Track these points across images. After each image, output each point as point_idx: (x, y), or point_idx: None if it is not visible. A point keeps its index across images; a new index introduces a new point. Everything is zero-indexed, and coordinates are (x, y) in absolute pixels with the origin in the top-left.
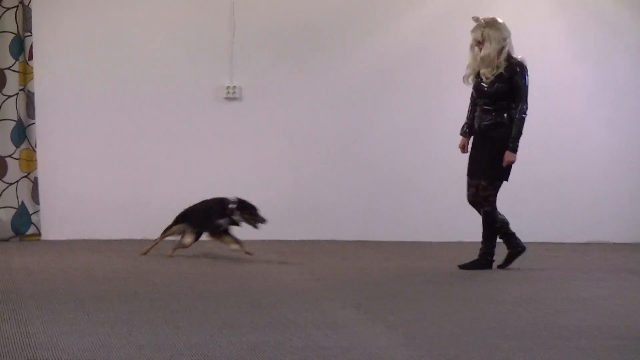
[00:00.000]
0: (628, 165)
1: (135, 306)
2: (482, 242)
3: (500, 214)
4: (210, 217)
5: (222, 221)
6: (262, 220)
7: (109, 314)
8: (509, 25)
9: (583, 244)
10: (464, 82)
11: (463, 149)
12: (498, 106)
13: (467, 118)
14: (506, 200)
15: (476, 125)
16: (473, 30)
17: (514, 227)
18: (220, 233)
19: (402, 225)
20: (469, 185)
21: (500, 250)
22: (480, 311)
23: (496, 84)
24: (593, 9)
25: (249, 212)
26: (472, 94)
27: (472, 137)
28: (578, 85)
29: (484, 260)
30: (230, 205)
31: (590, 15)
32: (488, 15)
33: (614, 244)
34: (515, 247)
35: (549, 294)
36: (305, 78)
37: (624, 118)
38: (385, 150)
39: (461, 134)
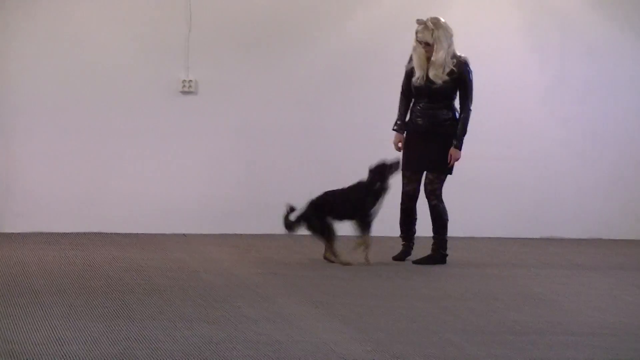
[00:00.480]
0: (585, 161)
1: (90, 299)
2: (433, 237)
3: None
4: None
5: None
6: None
7: (63, 307)
8: (464, 21)
9: (537, 239)
10: (415, 83)
11: (399, 145)
12: (444, 104)
13: (401, 114)
14: (461, 195)
15: (420, 122)
16: (421, 32)
17: (469, 222)
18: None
19: None
20: (410, 181)
21: (452, 245)
22: (434, 306)
23: (445, 83)
24: (549, 5)
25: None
26: (404, 90)
27: (406, 133)
28: (534, 81)
29: (437, 255)
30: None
31: (546, 11)
32: (435, 13)
33: (569, 239)
34: (441, 253)
35: (502, 289)
36: (261, 72)
37: (580, 113)
38: (340, 146)
39: (396, 130)
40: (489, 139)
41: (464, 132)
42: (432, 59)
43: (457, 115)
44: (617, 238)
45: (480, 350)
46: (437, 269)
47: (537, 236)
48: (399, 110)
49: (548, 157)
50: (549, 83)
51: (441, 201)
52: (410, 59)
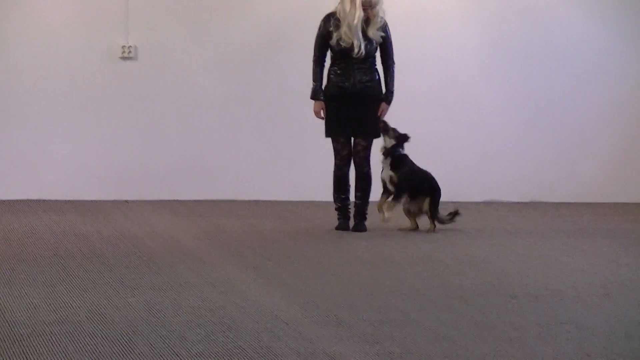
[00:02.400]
0: (524, 124)
1: (32, 266)
2: (363, 202)
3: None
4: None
5: None
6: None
7: (4, 275)
8: None
9: (480, 203)
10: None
11: (321, 113)
12: (370, 64)
13: (318, 81)
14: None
15: (347, 85)
16: None
17: None
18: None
19: (297, 184)
20: (344, 145)
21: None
22: (376, 271)
23: (375, 43)
24: None
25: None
26: (320, 56)
27: (325, 98)
28: (473, 44)
29: (365, 219)
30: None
31: None
32: None
33: (510, 203)
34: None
35: (444, 253)
36: (200, 37)
37: (519, 77)
38: (278, 110)
39: (317, 99)
40: (428, 102)
41: (394, 86)
42: (375, 19)
43: (378, 75)
44: (556, 201)
45: (423, 314)
46: (379, 233)
47: (479, 200)
48: (317, 78)
49: (487, 121)
50: (487, 46)
51: (370, 166)
52: (327, 22)
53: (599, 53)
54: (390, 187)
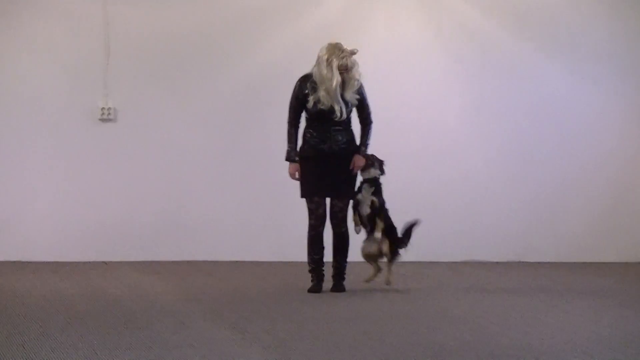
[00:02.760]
0: (502, 184)
1: (10, 328)
2: (340, 264)
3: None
4: None
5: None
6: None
7: None
8: (386, 42)
9: (459, 262)
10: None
11: (296, 175)
12: (347, 125)
13: (293, 142)
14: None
15: (324, 147)
16: (348, 57)
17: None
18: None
19: (277, 244)
20: (319, 205)
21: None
22: (355, 329)
23: (350, 105)
24: (469, 26)
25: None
26: (295, 119)
27: (300, 159)
28: (455, 101)
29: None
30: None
31: (466, 32)
32: (356, 34)
33: (490, 262)
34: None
35: (424, 312)
36: (179, 97)
37: (499, 137)
38: (259, 169)
39: (292, 160)
40: (410, 162)
41: (369, 141)
42: (351, 82)
43: (354, 135)
44: (538, 260)
45: None
46: (358, 293)
47: (459, 259)
48: (291, 140)
49: (468, 179)
50: (469, 106)
51: (347, 227)
52: (303, 85)
53: (581, 110)
54: (366, 210)
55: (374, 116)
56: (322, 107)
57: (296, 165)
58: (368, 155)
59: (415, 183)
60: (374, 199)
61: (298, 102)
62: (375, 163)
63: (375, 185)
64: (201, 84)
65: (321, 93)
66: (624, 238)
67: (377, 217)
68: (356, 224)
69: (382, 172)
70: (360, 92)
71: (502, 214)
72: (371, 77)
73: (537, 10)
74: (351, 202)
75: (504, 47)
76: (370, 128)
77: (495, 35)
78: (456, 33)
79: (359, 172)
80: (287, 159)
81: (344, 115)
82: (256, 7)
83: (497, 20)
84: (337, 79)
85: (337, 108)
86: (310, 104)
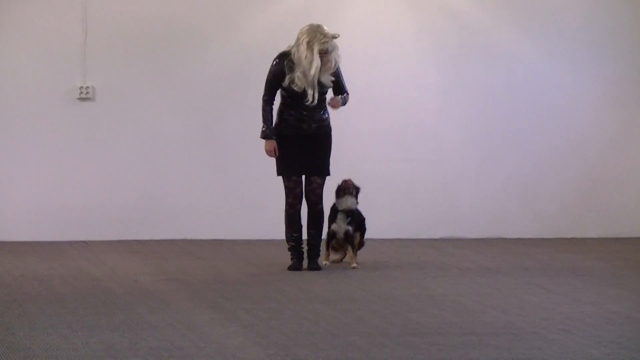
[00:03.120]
0: (483, 161)
1: None
2: (316, 239)
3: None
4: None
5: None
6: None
7: None
8: (361, 24)
9: (438, 239)
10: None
11: (274, 152)
12: (322, 104)
13: (269, 120)
14: (362, 198)
15: (304, 126)
16: (329, 42)
17: (371, 223)
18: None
19: (257, 223)
20: (297, 183)
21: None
22: (336, 309)
23: (325, 88)
24: (445, 7)
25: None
26: (271, 97)
27: (278, 138)
28: (431, 83)
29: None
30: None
31: (442, 13)
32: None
33: (469, 239)
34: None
35: (404, 290)
36: (159, 78)
37: (478, 115)
38: (238, 150)
39: (268, 138)
40: (388, 141)
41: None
42: (328, 65)
43: (329, 114)
44: (517, 237)
45: (383, 352)
46: (338, 271)
47: (439, 236)
48: (267, 117)
49: (447, 159)
50: (447, 85)
51: (323, 203)
52: (281, 62)
53: (557, 91)
54: (341, 236)
55: (351, 98)
56: (295, 88)
57: (273, 142)
58: (346, 181)
59: (394, 164)
60: (349, 228)
61: (275, 79)
62: (353, 191)
63: (351, 216)
64: (180, 64)
65: (297, 74)
66: (602, 214)
67: (350, 245)
68: (325, 259)
69: (357, 201)
70: (336, 73)
71: (481, 192)
72: (348, 57)
73: None
74: (325, 232)
75: (481, 27)
76: (347, 99)
77: (473, 15)
78: (433, 14)
79: (334, 198)
80: (263, 137)
81: (315, 102)
82: None
83: (475, 0)
84: (317, 63)
85: (309, 93)
86: (285, 83)
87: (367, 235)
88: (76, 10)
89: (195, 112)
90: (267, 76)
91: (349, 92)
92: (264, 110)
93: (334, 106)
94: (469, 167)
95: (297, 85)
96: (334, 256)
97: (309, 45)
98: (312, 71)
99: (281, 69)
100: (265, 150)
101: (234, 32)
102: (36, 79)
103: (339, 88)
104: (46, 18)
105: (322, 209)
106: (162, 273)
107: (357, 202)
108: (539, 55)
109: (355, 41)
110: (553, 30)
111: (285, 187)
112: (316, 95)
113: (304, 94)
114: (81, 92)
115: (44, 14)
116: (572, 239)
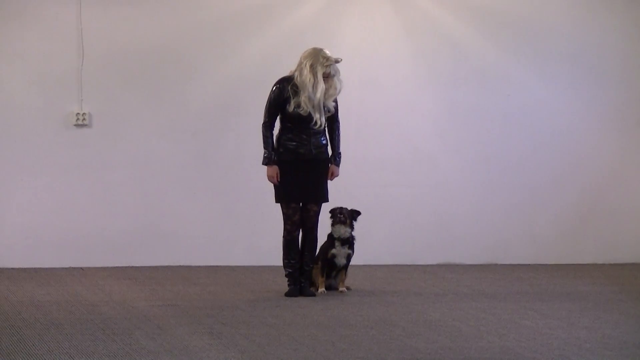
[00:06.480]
0: (477, 188)
1: None
2: (309, 267)
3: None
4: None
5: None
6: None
7: None
8: (358, 49)
9: (434, 265)
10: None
11: (276, 177)
12: (322, 130)
13: (270, 145)
14: (359, 223)
15: (303, 151)
16: (332, 66)
17: (367, 249)
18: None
19: (253, 249)
20: (295, 211)
21: (351, 273)
22: (332, 334)
23: (328, 112)
24: (440, 33)
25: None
26: (271, 121)
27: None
28: (427, 108)
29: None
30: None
31: (438, 39)
32: (330, 41)
33: (467, 265)
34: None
35: (401, 316)
36: (154, 104)
37: (473, 141)
38: (234, 176)
39: (270, 164)
40: (385, 167)
41: (340, 147)
42: (332, 89)
43: (327, 140)
44: (513, 263)
45: None
46: (335, 297)
47: (435, 262)
48: (268, 143)
49: (443, 184)
50: (443, 110)
51: (317, 230)
52: (284, 88)
53: (554, 116)
54: (341, 262)
55: (348, 123)
56: (301, 112)
57: (275, 168)
58: (341, 209)
59: (390, 190)
60: (350, 252)
61: (276, 105)
62: (347, 220)
63: (348, 243)
64: (176, 89)
65: (302, 98)
66: (599, 240)
67: (344, 268)
68: (320, 286)
69: (352, 227)
70: (335, 99)
71: (478, 217)
72: (344, 83)
73: (511, 15)
74: (321, 259)
75: (477, 51)
76: (340, 131)
77: (469, 40)
78: (429, 39)
79: (330, 227)
80: (266, 163)
81: (322, 125)
82: (232, 13)
83: (471, 26)
84: (322, 87)
85: (316, 117)
86: (290, 108)
87: (363, 261)
88: (72, 36)
89: (191, 138)
90: (268, 101)
91: (339, 121)
92: (264, 135)
93: (336, 175)
94: (465, 192)
95: (303, 109)
96: (326, 282)
97: (312, 69)
98: (318, 94)
99: (284, 93)
100: (267, 176)
101: (228, 58)
102: (33, 105)
103: (335, 113)
104: (42, 44)
105: (317, 235)
106: (158, 299)
107: (353, 229)
108: (536, 80)
109: (352, 67)
110: (550, 55)
111: (284, 214)
112: (323, 120)
113: (309, 117)
114: (77, 119)
115: (40, 40)
116: (569, 264)
